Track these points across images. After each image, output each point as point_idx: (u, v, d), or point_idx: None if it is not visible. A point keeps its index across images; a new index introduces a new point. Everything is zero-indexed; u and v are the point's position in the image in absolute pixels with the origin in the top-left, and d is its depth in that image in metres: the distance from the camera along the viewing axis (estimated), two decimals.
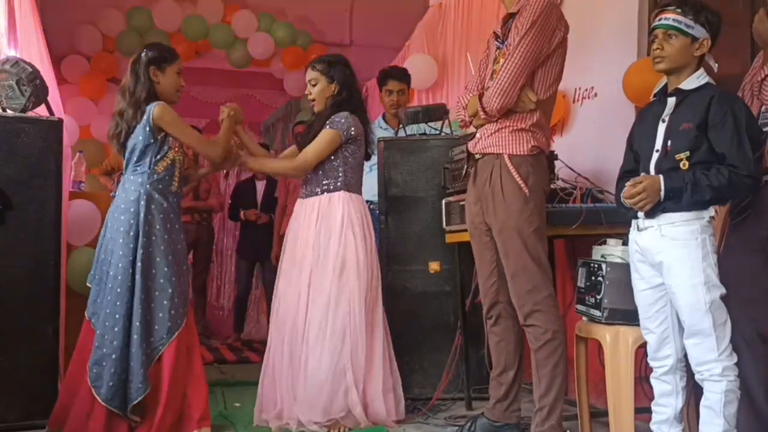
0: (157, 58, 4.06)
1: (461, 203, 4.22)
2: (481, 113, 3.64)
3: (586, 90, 5.01)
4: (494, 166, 3.67)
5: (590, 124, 4.95)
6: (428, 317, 5.10)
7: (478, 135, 3.78)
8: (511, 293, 3.66)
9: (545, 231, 3.72)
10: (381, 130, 5.67)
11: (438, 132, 5.22)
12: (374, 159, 4.91)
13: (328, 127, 4.33)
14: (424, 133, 5.25)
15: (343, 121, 4.32)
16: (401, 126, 5.27)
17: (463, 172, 3.98)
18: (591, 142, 4.86)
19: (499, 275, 3.76)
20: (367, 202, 4.66)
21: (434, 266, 4.94)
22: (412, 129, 5.25)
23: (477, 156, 3.81)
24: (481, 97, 3.70)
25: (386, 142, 5.14)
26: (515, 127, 3.63)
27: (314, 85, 4.42)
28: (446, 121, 5.16)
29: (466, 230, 4.03)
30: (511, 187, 3.61)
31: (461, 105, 3.85)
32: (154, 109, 3.96)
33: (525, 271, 3.56)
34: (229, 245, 10.76)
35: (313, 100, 4.45)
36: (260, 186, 8.58)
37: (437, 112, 5.12)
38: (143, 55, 4.06)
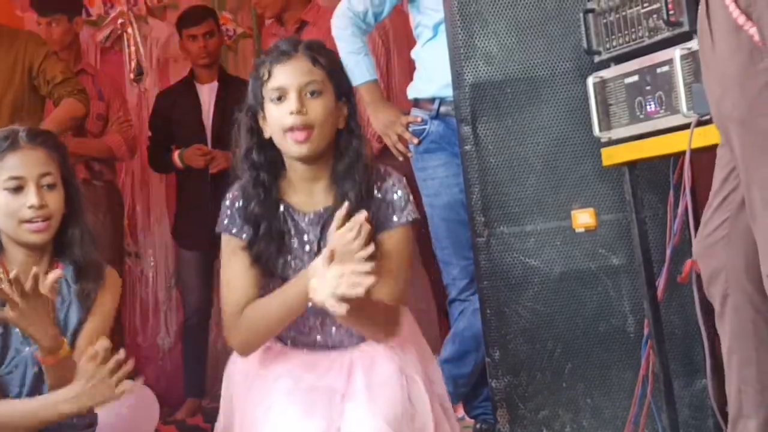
0: None
1: (629, 80, 3.14)
2: None
3: None
4: None
5: None
6: (580, 322, 3.65)
7: None
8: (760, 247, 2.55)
9: None
10: None
11: None
12: (438, 10, 3.55)
13: None
14: None
15: None
16: None
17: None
18: None
19: (732, 217, 2.70)
20: (431, 100, 3.64)
21: (584, 218, 3.64)
22: None
23: None
24: None
25: None
26: None
27: None
28: None
29: (641, 136, 3.11)
30: (723, 21, 2.35)
31: None
32: None
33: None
34: (159, 224, 5.92)
35: None
36: (207, 93, 5.06)
37: None
38: None
